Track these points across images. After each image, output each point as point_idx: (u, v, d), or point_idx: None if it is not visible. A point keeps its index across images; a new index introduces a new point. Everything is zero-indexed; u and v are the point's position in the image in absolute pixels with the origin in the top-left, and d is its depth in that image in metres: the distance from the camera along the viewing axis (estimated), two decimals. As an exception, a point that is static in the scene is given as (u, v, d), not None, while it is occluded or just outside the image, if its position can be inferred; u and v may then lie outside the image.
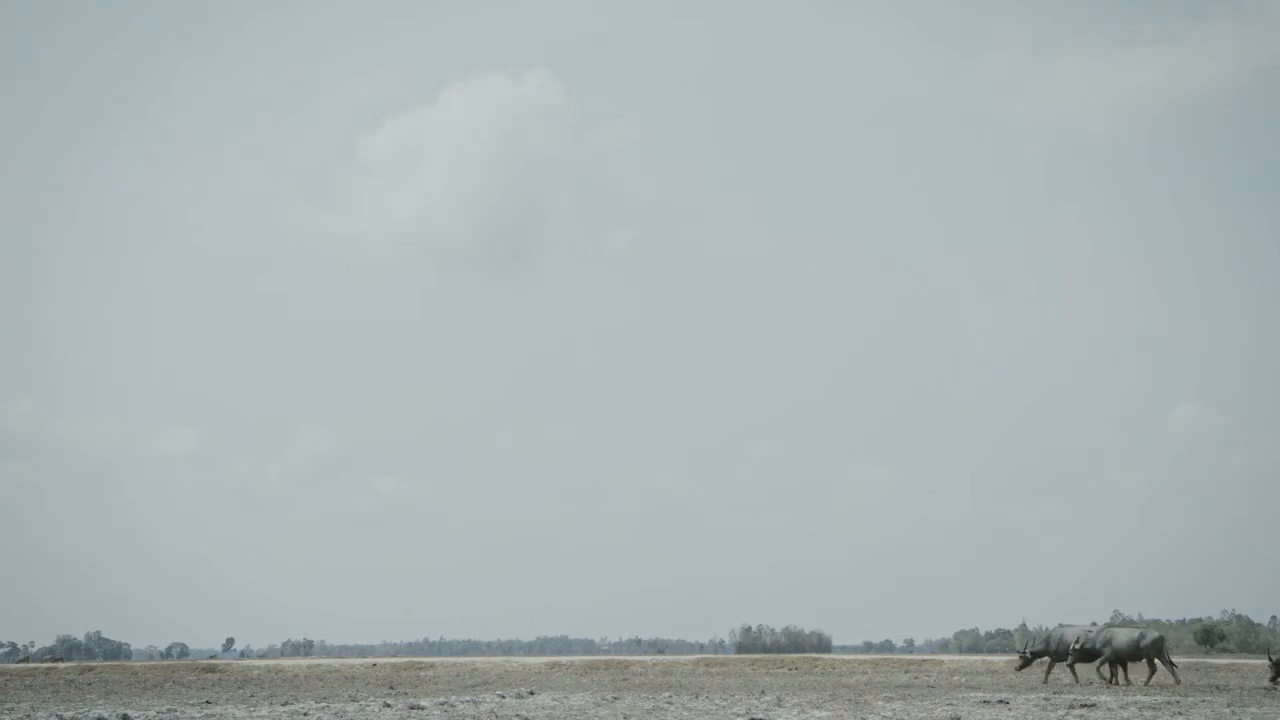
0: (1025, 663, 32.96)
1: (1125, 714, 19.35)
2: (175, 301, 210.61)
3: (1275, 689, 26.68)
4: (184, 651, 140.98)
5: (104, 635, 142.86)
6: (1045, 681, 30.53)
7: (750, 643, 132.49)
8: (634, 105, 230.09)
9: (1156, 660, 29.85)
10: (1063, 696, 23.61)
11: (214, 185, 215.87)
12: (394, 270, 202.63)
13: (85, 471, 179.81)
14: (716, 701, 22.88)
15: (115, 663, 69.69)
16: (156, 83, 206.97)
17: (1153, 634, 30.14)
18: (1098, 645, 30.19)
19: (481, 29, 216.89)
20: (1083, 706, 20.46)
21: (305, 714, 19.88)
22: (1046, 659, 32.13)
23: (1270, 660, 28.06)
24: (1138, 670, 31.06)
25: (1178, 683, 28.88)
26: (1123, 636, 30.16)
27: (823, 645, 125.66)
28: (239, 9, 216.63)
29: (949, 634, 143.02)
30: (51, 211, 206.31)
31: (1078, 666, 31.13)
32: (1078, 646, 30.34)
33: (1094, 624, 30.55)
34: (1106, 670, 30.40)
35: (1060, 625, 31.66)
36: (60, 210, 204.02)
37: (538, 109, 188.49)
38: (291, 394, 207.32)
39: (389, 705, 21.65)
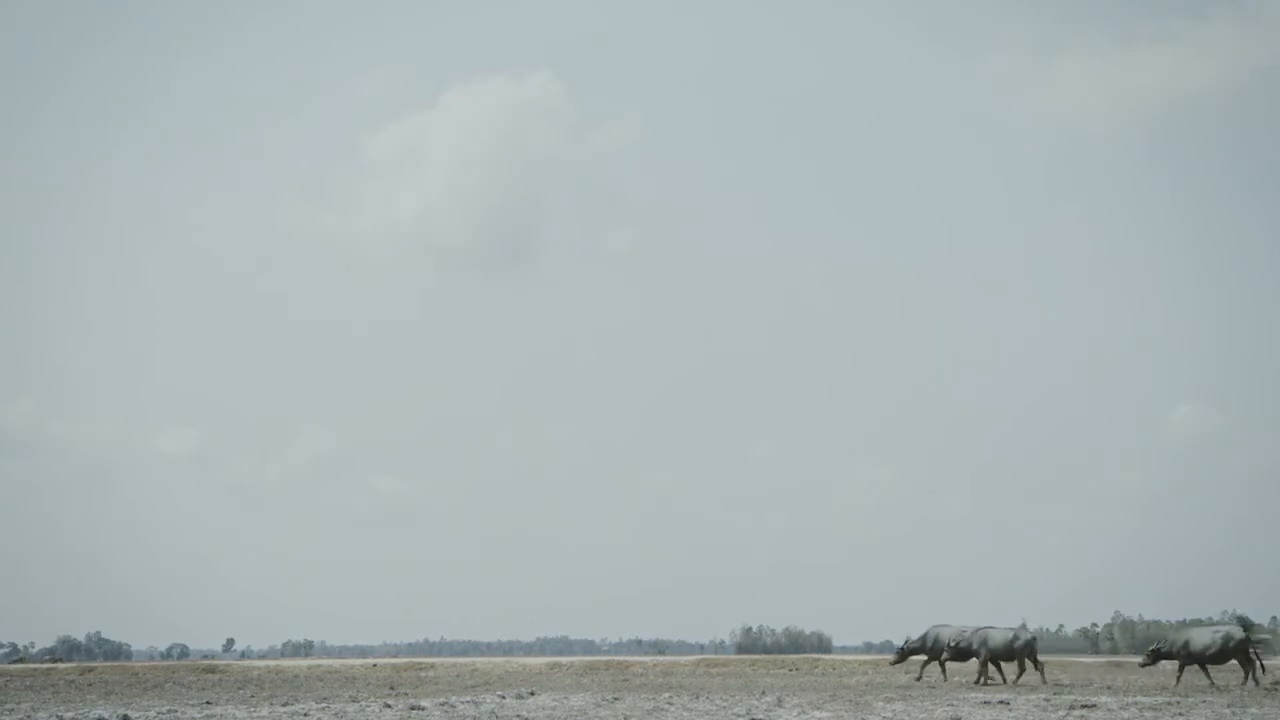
0: (901, 658, 34.17)
1: (1125, 715, 19.36)
2: (175, 301, 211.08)
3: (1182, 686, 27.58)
4: (184, 652, 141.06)
5: (104, 636, 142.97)
6: (919, 679, 31.95)
7: (750, 643, 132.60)
8: (634, 105, 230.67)
9: (1028, 660, 31.13)
10: (1063, 697, 23.62)
11: (214, 185, 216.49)
12: (394, 270, 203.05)
13: (85, 471, 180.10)
14: (717, 702, 22.89)
15: (115, 663, 69.69)
16: (156, 83, 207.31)
17: (1026, 634, 31.38)
18: (973, 645, 31.32)
19: (481, 29, 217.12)
20: (1083, 707, 20.47)
21: (305, 714, 19.89)
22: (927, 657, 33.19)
23: (1149, 651, 30.34)
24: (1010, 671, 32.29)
25: (1044, 682, 30.07)
26: (997, 636, 31.26)
27: (823, 646, 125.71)
28: (239, 9, 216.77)
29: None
30: (51, 211, 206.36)
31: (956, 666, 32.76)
32: (952, 645, 31.50)
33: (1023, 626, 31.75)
34: (946, 668, 32.13)
35: (935, 625, 32.74)
36: (60, 210, 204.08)
37: (538, 109, 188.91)
38: (291, 394, 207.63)
39: (389, 706, 21.66)
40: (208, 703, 24.43)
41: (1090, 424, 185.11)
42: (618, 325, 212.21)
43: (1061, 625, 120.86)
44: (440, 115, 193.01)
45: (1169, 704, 21.55)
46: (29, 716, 19.82)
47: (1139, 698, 23.55)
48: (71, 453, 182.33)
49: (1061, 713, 19.58)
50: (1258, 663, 28.32)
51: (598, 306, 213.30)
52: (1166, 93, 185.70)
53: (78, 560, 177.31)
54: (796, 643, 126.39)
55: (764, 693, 26.55)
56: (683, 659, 60.59)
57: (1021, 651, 30.90)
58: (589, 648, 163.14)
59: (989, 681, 30.61)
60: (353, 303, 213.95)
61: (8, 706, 23.28)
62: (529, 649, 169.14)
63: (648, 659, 60.46)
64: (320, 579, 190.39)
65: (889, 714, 19.43)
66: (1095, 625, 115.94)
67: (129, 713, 20.44)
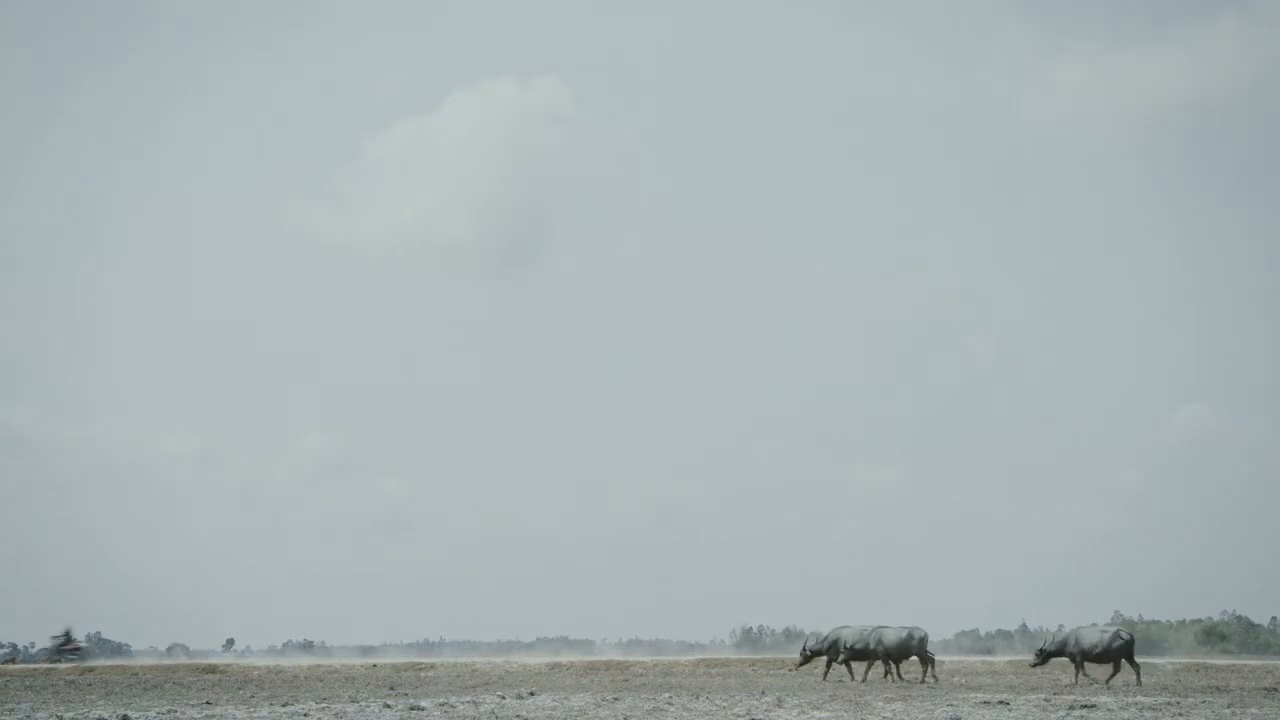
0: (805, 660, 35.07)
1: (1125, 715, 19.37)
2: (175, 302, 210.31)
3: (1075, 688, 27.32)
4: (184, 652, 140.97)
5: (104, 636, 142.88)
6: (825, 678, 33.16)
7: (750, 643, 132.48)
8: (640, 107, 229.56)
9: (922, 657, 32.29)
10: (1063, 697, 23.63)
11: (214, 185, 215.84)
12: (394, 270, 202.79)
13: (87, 471, 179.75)
14: (717, 702, 22.89)
15: (115, 663, 69.66)
16: (156, 83, 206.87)
17: (920, 633, 32.24)
18: (869, 645, 32.47)
19: (486, 29, 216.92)
20: (1083, 707, 20.48)
21: (305, 714, 19.90)
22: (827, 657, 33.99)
23: (1037, 651, 31.89)
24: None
25: (935, 680, 31.45)
26: (891, 635, 32.37)
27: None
28: (239, 9, 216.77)
29: (949, 634, 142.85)
30: (51, 211, 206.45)
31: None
32: (849, 646, 32.71)
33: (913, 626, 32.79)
34: (881, 667, 33.14)
35: (838, 627, 33.50)
36: (60, 210, 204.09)
37: (543, 110, 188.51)
38: (292, 394, 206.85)
39: (389, 706, 21.67)
40: (208, 703, 24.44)
41: (1090, 424, 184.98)
42: (620, 326, 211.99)
43: (1061, 625, 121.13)
44: (444, 116, 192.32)
45: (1169, 704, 21.57)
46: (29, 716, 19.84)
47: (1139, 698, 23.57)
48: (75, 453, 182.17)
49: (1061, 713, 19.59)
50: (1136, 665, 30.06)
51: (600, 307, 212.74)
52: (1167, 93, 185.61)
53: (78, 560, 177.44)
54: (796, 643, 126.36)
55: (764, 693, 26.55)
56: (683, 659, 60.54)
57: (916, 649, 31.98)
58: (588, 648, 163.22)
59: (895, 680, 32.00)
60: (353, 303, 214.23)
61: (8, 706, 23.28)
62: (529, 649, 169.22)
63: (648, 659, 60.35)
64: (320, 579, 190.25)
65: (889, 714, 19.44)
66: (1095, 625, 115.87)
67: (129, 713, 20.46)
